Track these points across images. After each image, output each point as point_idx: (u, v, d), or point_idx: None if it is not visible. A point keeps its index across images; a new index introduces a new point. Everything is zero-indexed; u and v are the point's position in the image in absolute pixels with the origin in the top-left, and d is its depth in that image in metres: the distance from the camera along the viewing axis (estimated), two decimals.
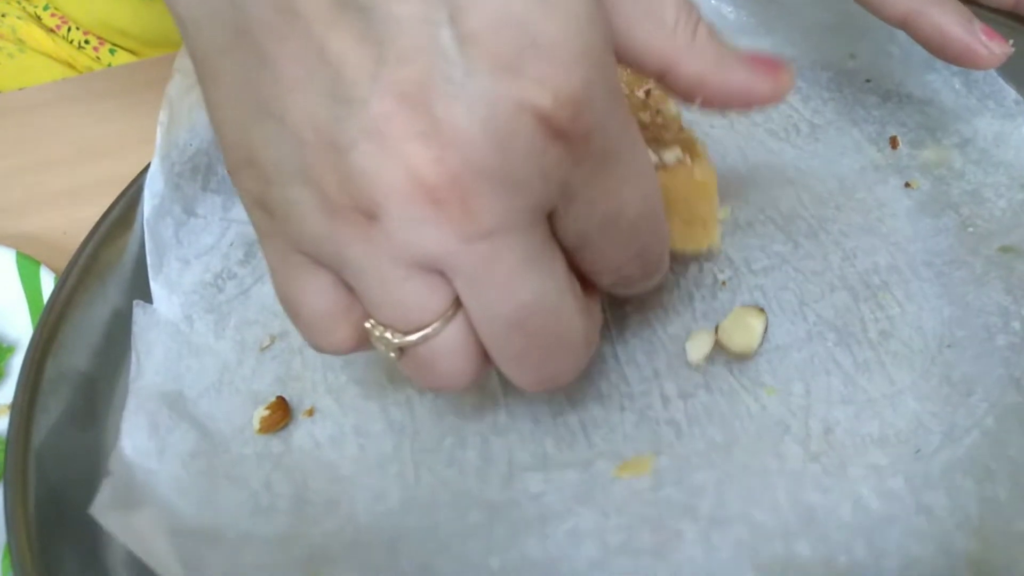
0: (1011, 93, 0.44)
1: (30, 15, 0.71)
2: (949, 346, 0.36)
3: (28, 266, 0.47)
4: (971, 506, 0.31)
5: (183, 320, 0.42)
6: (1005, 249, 0.39)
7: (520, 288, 0.26)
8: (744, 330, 0.36)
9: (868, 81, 0.48)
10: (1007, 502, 0.31)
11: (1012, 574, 0.29)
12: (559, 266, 0.28)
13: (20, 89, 0.65)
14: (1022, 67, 0.43)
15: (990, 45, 0.39)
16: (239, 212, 0.46)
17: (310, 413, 0.38)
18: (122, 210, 0.44)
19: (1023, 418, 0.33)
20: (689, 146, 0.36)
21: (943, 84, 0.46)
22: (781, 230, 0.41)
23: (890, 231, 0.41)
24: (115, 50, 0.71)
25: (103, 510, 0.33)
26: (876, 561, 0.30)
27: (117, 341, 0.41)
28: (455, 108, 0.23)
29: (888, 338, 0.37)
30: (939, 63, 0.45)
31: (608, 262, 0.29)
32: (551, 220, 0.27)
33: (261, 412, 0.38)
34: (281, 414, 0.38)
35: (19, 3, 0.71)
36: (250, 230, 0.29)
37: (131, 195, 0.44)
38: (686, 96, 0.30)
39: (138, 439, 0.37)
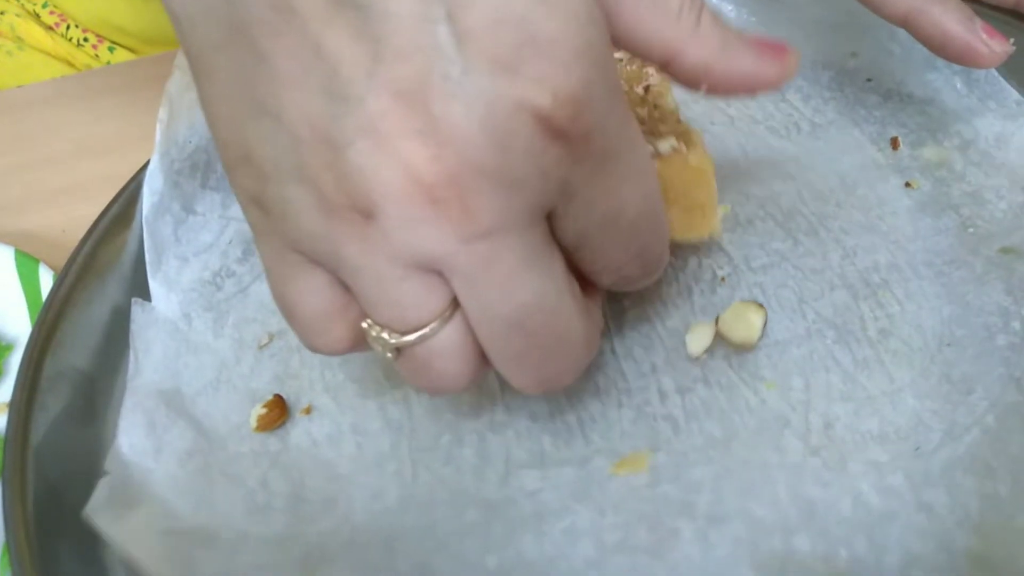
0: (1013, 94, 0.44)
1: (29, 12, 0.71)
2: (949, 345, 0.36)
3: (27, 264, 0.47)
4: (972, 503, 0.31)
5: (181, 318, 0.42)
6: (1006, 250, 0.39)
7: (519, 288, 0.26)
8: (744, 324, 0.36)
9: (869, 80, 0.48)
10: (1008, 499, 0.31)
11: (1013, 570, 0.29)
12: (558, 266, 0.27)
13: (19, 87, 0.65)
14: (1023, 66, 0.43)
15: (991, 43, 0.39)
16: (238, 210, 0.46)
17: (307, 411, 0.38)
18: (121, 208, 0.44)
19: None
20: (685, 136, 0.36)
21: (944, 83, 0.46)
22: (781, 227, 0.41)
23: (890, 229, 0.40)
24: (114, 48, 0.71)
25: (97, 513, 0.33)
26: (877, 557, 0.30)
27: (116, 339, 0.41)
28: (453, 106, 0.23)
29: (888, 336, 0.37)
30: (940, 62, 0.45)
31: (608, 262, 0.29)
32: (550, 220, 0.27)
33: (258, 410, 0.38)
34: (278, 412, 0.38)
35: (18, 0, 0.71)
36: (249, 228, 0.29)
37: (130, 193, 0.44)
38: (691, 83, 0.30)
39: (135, 437, 0.37)
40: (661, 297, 0.39)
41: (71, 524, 0.34)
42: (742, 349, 0.36)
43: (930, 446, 0.33)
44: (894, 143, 0.44)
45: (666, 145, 0.35)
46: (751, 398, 0.35)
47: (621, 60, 0.40)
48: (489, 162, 0.24)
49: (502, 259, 0.26)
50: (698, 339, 0.37)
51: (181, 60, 0.44)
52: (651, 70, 0.43)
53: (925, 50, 0.41)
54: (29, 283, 0.46)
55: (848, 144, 0.45)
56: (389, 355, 0.28)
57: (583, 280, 0.30)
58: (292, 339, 0.41)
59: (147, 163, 0.44)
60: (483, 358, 0.29)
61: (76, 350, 0.40)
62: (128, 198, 0.44)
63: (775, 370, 0.36)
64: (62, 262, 0.42)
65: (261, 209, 0.27)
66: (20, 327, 0.46)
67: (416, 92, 0.23)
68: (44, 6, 0.71)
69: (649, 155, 0.28)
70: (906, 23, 0.40)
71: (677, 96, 0.39)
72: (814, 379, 0.35)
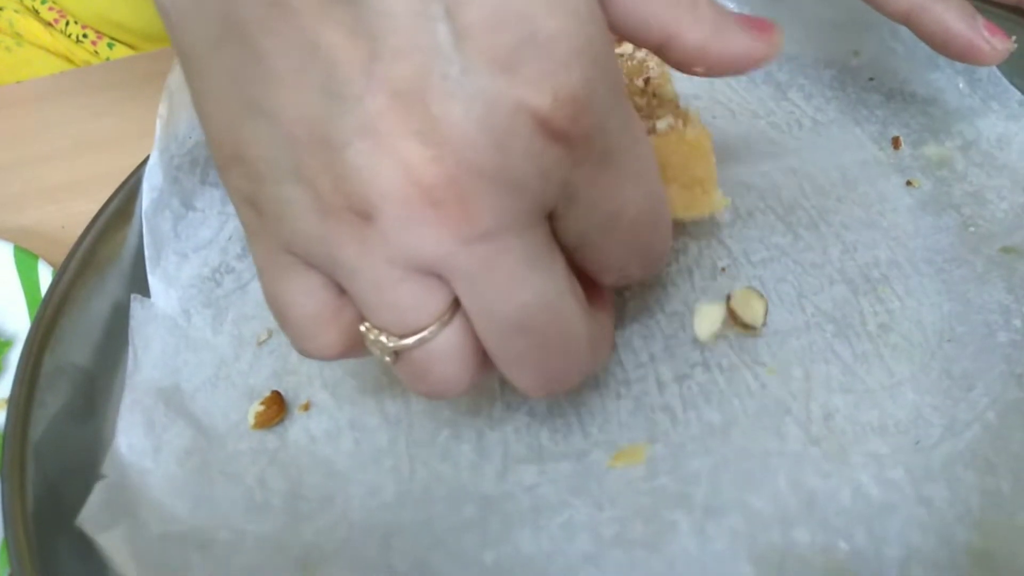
0: (1016, 95, 0.44)
1: (28, 8, 0.71)
2: (949, 341, 0.36)
3: (26, 260, 0.47)
4: (972, 499, 0.31)
5: (181, 314, 0.42)
6: (1007, 250, 0.39)
7: (520, 289, 0.26)
8: (749, 308, 0.36)
9: (871, 79, 0.48)
10: (1009, 496, 0.31)
11: (1014, 568, 0.29)
12: (559, 267, 0.27)
13: (17, 83, 0.65)
14: None
15: (992, 41, 0.39)
16: None
17: (306, 407, 0.38)
18: (120, 204, 0.44)
19: None
20: (682, 115, 0.36)
21: (947, 83, 0.46)
22: (781, 220, 0.41)
23: (891, 226, 0.40)
24: (113, 44, 0.71)
25: (90, 522, 0.33)
26: (876, 549, 0.30)
27: (115, 335, 0.41)
28: (452, 107, 0.23)
29: (887, 331, 0.37)
30: (943, 62, 0.45)
31: (609, 261, 0.29)
32: (551, 220, 0.27)
33: (256, 407, 0.38)
34: (276, 409, 0.38)
35: None
36: None
37: (129, 189, 0.44)
38: (687, 65, 0.30)
39: (134, 437, 0.37)
40: (661, 282, 0.39)
41: (70, 521, 0.34)
42: (747, 331, 0.36)
43: (930, 440, 0.33)
44: (895, 142, 0.44)
45: (663, 123, 0.35)
46: (751, 382, 0.35)
47: (622, 56, 0.40)
48: (488, 163, 0.24)
49: (502, 260, 0.25)
50: (707, 322, 0.36)
51: None
52: (651, 63, 0.43)
53: (928, 49, 0.40)
54: (28, 279, 0.46)
55: (849, 143, 0.45)
56: (387, 359, 0.28)
57: (590, 287, 0.29)
58: None
59: (146, 159, 0.44)
60: (481, 362, 0.28)
61: (75, 346, 0.40)
62: (127, 194, 0.44)
63: (775, 358, 0.36)
64: (61, 258, 0.42)
65: (255, 209, 0.27)
66: (19, 323, 0.46)
67: (414, 92, 0.23)
68: (43, 2, 0.71)
69: (652, 153, 0.28)
70: (908, 20, 0.40)
71: (678, 95, 0.39)
72: (814, 370, 0.35)
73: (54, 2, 0.71)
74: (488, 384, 0.37)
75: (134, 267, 0.43)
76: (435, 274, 0.26)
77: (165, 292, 0.42)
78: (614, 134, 0.25)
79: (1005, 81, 0.44)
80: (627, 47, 0.41)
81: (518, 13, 0.23)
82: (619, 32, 0.28)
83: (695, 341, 0.36)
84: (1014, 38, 0.39)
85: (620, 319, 0.38)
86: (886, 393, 0.34)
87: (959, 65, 0.45)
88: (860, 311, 0.37)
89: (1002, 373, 0.34)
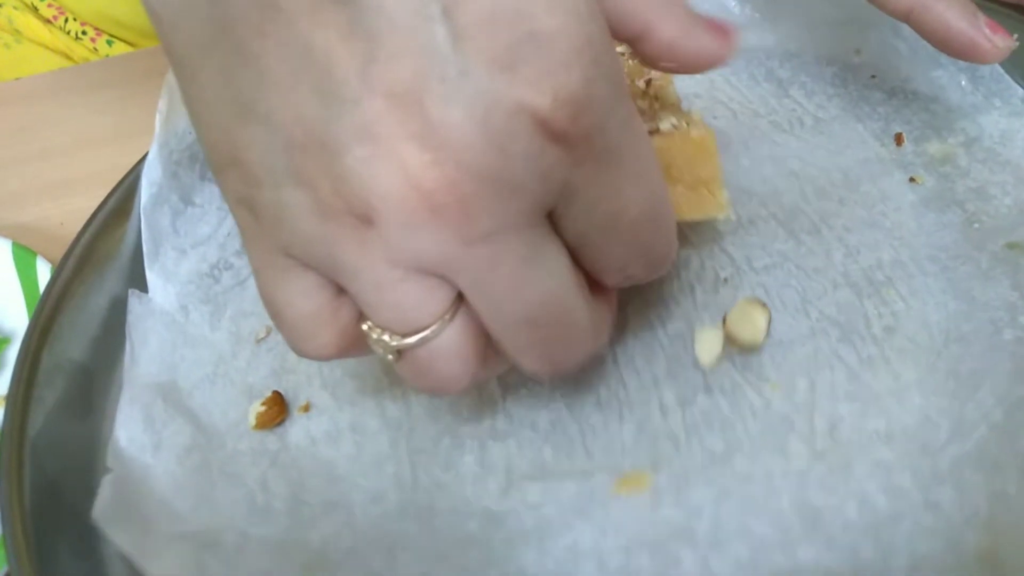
0: (1018, 91, 0.44)
1: (27, 5, 0.71)
2: (955, 341, 0.36)
3: (24, 257, 0.47)
4: (980, 501, 0.31)
5: (179, 310, 0.42)
6: (1011, 246, 0.38)
7: (524, 286, 0.26)
8: (749, 323, 0.36)
9: (873, 77, 0.48)
10: (1017, 496, 0.31)
11: (1022, 569, 0.29)
12: (561, 260, 0.27)
13: (16, 79, 0.64)
14: None
15: (994, 39, 0.39)
16: None
17: (306, 408, 0.38)
18: (119, 200, 0.44)
19: None
20: (685, 116, 0.36)
21: (949, 80, 0.46)
22: (783, 226, 0.41)
23: (894, 225, 0.40)
24: (112, 41, 0.71)
25: (104, 518, 0.33)
26: (884, 560, 0.30)
27: (113, 332, 0.41)
28: (450, 110, 0.23)
29: (893, 334, 0.36)
30: (945, 59, 0.45)
31: (611, 261, 0.28)
32: (551, 218, 0.27)
33: (257, 407, 0.38)
34: (277, 410, 0.37)
35: None
36: None
37: (128, 185, 0.44)
38: (656, 60, 0.30)
39: (133, 431, 0.37)
40: (663, 299, 0.39)
41: (68, 517, 0.34)
42: (748, 350, 0.36)
43: (938, 444, 0.32)
44: (898, 139, 0.44)
45: (666, 123, 0.35)
46: (755, 401, 0.35)
47: (622, 55, 0.40)
48: (488, 166, 0.23)
49: (504, 260, 0.25)
50: (708, 347, 0.36)
51: None
52: None
53: (930, 47, 0.40)
54: (26, 276, 0.46)
55: (851, 140, 0.45)
56: (390, 357, 0.28)
57: (592, 277, 0.29)
58: None
59: (145, 156, 0.44)
60: (483, 358, 0.29)
61: (73, 343, 0.40)
62: (126, 191, 0.44)
63: (779, 371, 0.36)
64: (60, 255, 0.42)
65: (251, 212, 0.27)
66: (17, 320, 0.46)
67: (412, 95, 0.23)
68: None
69: (653, 153, 0.28)
70: (909, 18, 0.40)
71: (680, 98, 0.39)
72: (819, 378, 0.35)
73: None
74: (490, 392, 0.37)
75: (132, 264, 0.43)
76: (437, 274, 0.26)
77: (163, 288, 0.42)
78: (615, 134, 0.25)
79: (1008, 78, 0.44)
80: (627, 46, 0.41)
81: (516, 12, 0.23)
82: None
83: (697, 364, 0.36)
84: (1016, 36, 0.39)
85: (622, 335, 0.38)
86: (893, 398, 0.34)
87: (961, 62, 0.45)
88: (865, 314, 0.37)
89: (1008, 371, 0.34)
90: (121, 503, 0.34)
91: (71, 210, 0.52)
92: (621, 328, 0.38)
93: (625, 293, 0.37)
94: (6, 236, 0.48)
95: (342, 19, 0.23)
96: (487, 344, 0.29)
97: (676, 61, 0.30)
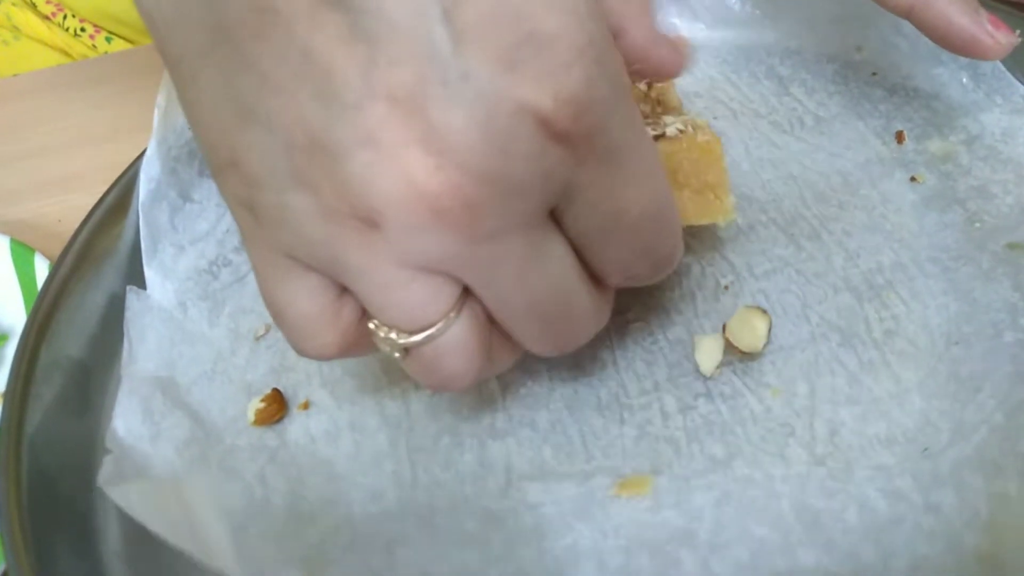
0: (1020, 88, 0.44)
1: (26, 2, 0.71)
2: (956, 343, 0.36)
3: (23, 253, 0.47)
4: (980, 503, 0.31)
5: (177, 307, 0.42)
6: (1012, 246, 0.38)
7: (528, 282, 0.26)
8: (749, 330, 0.36)
9: (874, 74, 0.48)
10: (1017, 498, 0.31)
11: (1022, 570, 0.29)
12: (564, 254, 0.27)
13: (14, 75, 0.64)
14: None
15: (997, 35, 0.39)
16: None
17: (305, 406, 0.38)
18: (117, 197, 0.44)
19: None
20: (690, 120, 0.36)
21: (950, 78, 0.46)
22: (783, 232, 0.41)
23: (894, 228, 0.40)
24: (111, 38, 0.71)
25: (110, 483, 0.33)
26: (884, 562, 0.30)
27: (111, 329, 0.41)
28: (452, 113, 0.23)
29: (893, 337, 0.36)
30: (946, 56, 0.45)
31: (614, 261, 0.28)
32: (555, 216, 0.27)
33: (256, 404, 0.37)
34: (277, 407, 0.37)
35: None
36: None
37: (126, 182, 0.44)
38: (626, 62, 0.30)
39: (132, 422, 0.37)
40: (664, 306, 0.39)
41: (66, 514, 0.34)
42: (748, 357, 0.36)
43: (938, 447, 0.32)
44: (899, 137, 0.44)
45: (672, 127, 0.35)
46: (756, 406, 0.35)
47: None
48: (491, 168, 0.23)
49: (508, 258, 0.25)
50: (708, 355, 0.36)
51: None
52: None
53: (931, 44, 0.40)
54: (24, 273, 0.46)
55: (852, 138, 0.45)
56: (397, 355, 0.28)
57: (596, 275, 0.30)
58: None
59: (144, 152, 0.44)
60: (488, 353, 0.29)
61: (71, 340, 0.40)
62: (124, 187, 0.44)
63: (780, 376, 0.36)
64: (58, 251, 0.42)
65: (251, 213, 0.26)
66: (15, 317, 0.45)
67: (414, 98, 0.23)
68: None
69: (656, 153, 0.27)
70: (911, 15, 0.40)
71: (682, 101, 0.39)
72: (819, 383, 0.35)
73: None
74: (489, 391, 0.37)
75: (131, 260, 0.43)
76: (442, 272, 0.26)
77: (161, 284, 0.42)
78: (616, 133, 0.25)
79: (1009, 76, 0.44)
80: None
81: (517, 13, 0.23)
82: None
83: (698, 371, 0.36)
84: (1019, 32, 0.39)
85: (623, 340, 0.38)
86: (893, 401, 0.34)
87: (963, 60, 0.45)
88: (865, 318, 0.37)
89: (1009, 373, 0.34)
90: (126, 471, 0.34)
91: (69, 206, 0.51)
92: (622, 334, 0.38)
93: (626, 300, 0.37)
94: (4, 232, 0.48)
95: (341, 23, 0.23)
96: (492, 339, 0.29)
97: (648, 65, 0.31)
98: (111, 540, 0.34)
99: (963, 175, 0.42)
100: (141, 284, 0.42)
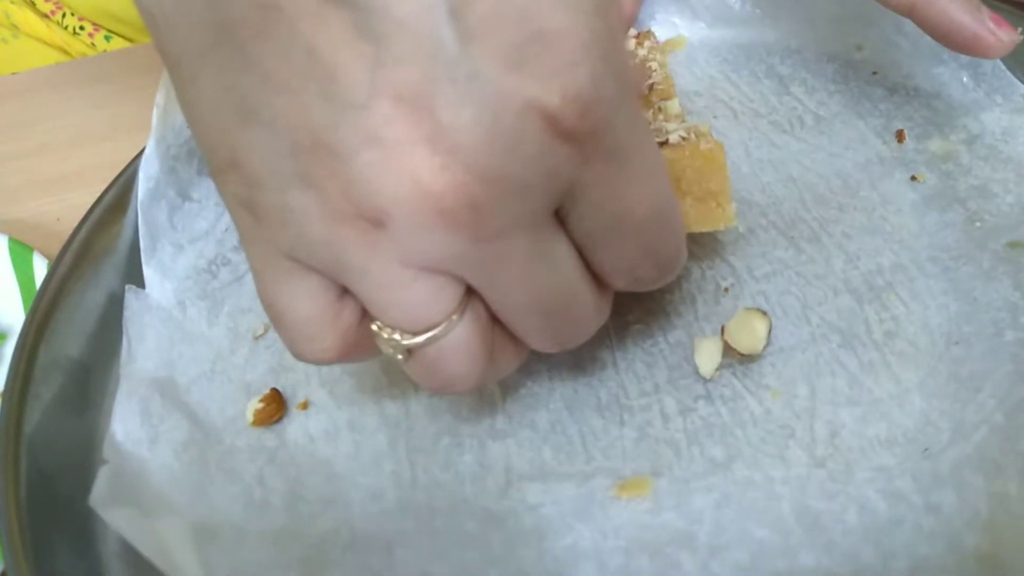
0: (1020, 88, 0.44)
1: (25, 0, 0.71)
2: (956, 343, 0.35)
3: (21, 252, 0.47)
4: (980, 503, 0.31)
5: (176, 306, 0.42)
6: (1013, 245, 0.38)
7: (532, 281, 0.26)
8: (749, 332, 0.36)
9: (875, 73, 0.48)
10: (1017, 497, 0.31)
11: (1023, 569, 0.29)
12: (568, 254, 0.27)
13: (13, 74, 0.64)
14: None
15: (998, 33, 0.39)
16: None
17: (304, 406, 0.38)
18: (116, 196, 0.44)
19: None
20: (693, 128, 0.36)
21: (951, 77, 0.46)
22: (783, 235, 0.41)
23: (894, 229, 0.40)
24: (110, 36, 0.71)
25: (102, 504, 0.33)
26: (884, 563, 0.30)
27: (110, 328, 0.40)
28: (460, 113, 0.23)
29: (893, 338, 0.36)
30: (947, 55, 0.45)
31: (618, 262, 0.28)
32: (559, 217, 0.27)
33: (255, 404, 0.37)
34: (276, 407, 0.37)
35: None
36: None
37: (125, 180, 0.44)
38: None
39: (130, 425, 0.37)
40: (665, 309, 0.38)
41: (64, 514, 0.34)
42: (748, 359, 0.36)
43: (939, 447, 0.32)
44: (899, 136, 0.44)
45: (675, 135, 0.35)
46: (756, 409, 0.35)
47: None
48: (497, 167, 0.23)
49: (513, 257, 0.25)
50: (707, 357, 0.36)
51: None
52: (654, 64, 0.43)
53: (932, 44, 0.40)
54: (23, 272, 0.46)
55: (853, 138, 0.45)
56: (400, 357, 0.28)
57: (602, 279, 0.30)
58: None
59: (143, 151, 0.43)
60: (491, 356, 0.29)
61: (70, 339, 0.39)
62: (123, 186, 0.44)
63: (780, 378, 0.36)
64: (56, 250, 0.42)
65: (252, 214, 0.26)
66: (14, 316, 0.45)
67: (421, 98, 0.23)
68: None
69: (660, 153, 0.27)
70: (912, 13, 0.40)
71: (679, 90, 0.39)
72: (819, 384, 0.35)
73: None
74: (489, 392, 0.37)
75: (130, 259, 0.43)
76: (446, 271, 0.26)
77: (160, 283, 0.42)
78: (622, 132, 0.25)
79: (1009, 75, 0.44)
80: (628, 44, 0.41)
81: (523, 10, 0.22)
82: None
83: (698, 373, 0.36)
84: (1020, 30, 0.39)
85: (623, 343, 0.38)
86: (894, 402, 0.34)
87: (963, 59, 0.45)
88: (865, 320, 0.37)
89: (1009, 373, 0.34)
90: (118, 490, 0.34)
91: (68, 205, 0.51)
92: (622, 335, 0.38)
93: (627, 302, 0.37)
94: (2, 231, 0.48)
95: (347, 21, 0.22)
96: (494, 342, 0.29)
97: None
98: (110, 540, 0.34)
99: (964, 174, 0.42)
100: (140, 283, 0.42)
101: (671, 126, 0.36)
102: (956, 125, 0.44)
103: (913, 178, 0.42)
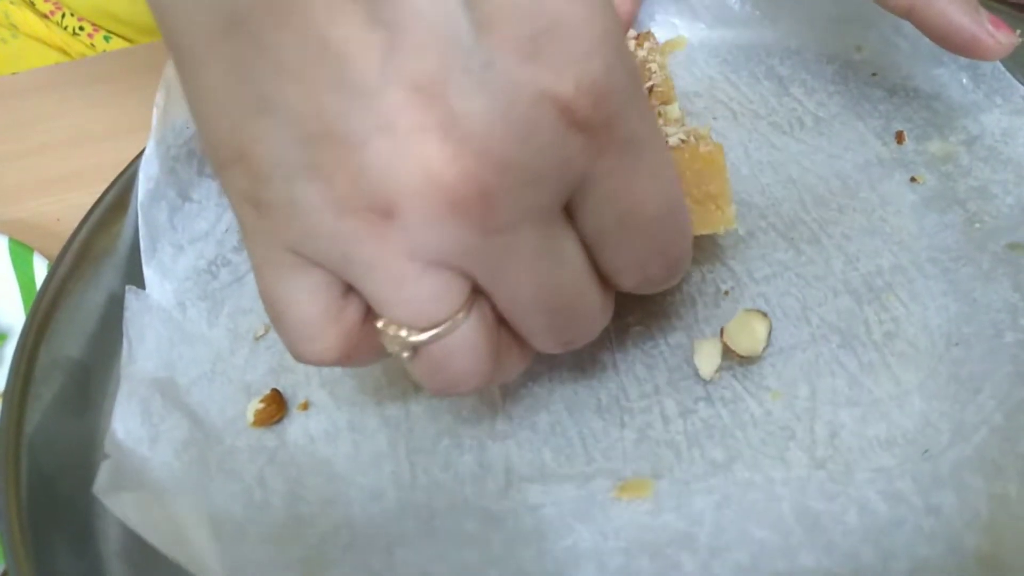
0: (1020, 89, 0.44)
1: (24, 0, 0.71)
2: (956, 344, 0.35)
3: (21, 253, 0.46)
4: (980, 504, 0.31)
5: (176, 307, 0.42)
6: (1013, 246, 0.38)
7: (539, 276, 0.26)
8: (748, 334, 0.36)
9: (874, 74, 0.48)
10: (1017, 498, 0.31)
11: (1023, 570, 0.29)
12: (576, 251, 0.27)
13: (13, 74, 0.64)
14: None
15: (997, 35, 0.39)
16: None
17: (304, 407, 0.38)
18: (116, 196, 0.44)
19: None
20: (693, 131, 0.36)
21: (951, 78, 0.46)
22: (783, 237, 0.41)
23: (894, 230, 0.40)
24: (110, 37, 0.71)
25: (105, 491, 0.33)
26: (884, 564, 0.30)
27: (110, 328, 0.40)
28: (474, 102, 0.23)
29: (893, 339, 0.36)
30: (947, 57, 0.45)
31: (628, 260, 0.28)
32: (569, 213, 0.27)
33: (255, 405, 0.37)
34: (276, 407, 0.37)
35: None
36: None
37: (125, 181, 0.44)
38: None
39: (131, 424, 0.37)
40: (665, 312, 0.38)
41: (65, 514, 0.34)
42: (748, 361, 0.36)
43: (939, 448, 0.32)
44: (899, 137, 0.44)
45: (674, 137, 0.35)
46: (756, 410, 0.35)
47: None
48: (510, 157, 0.23)
49: (521, 251, 0.25)
50: (707, 359, 0.36)
51: None
52: (653, 66, 0.43)
53: (931, 45, 0.40)
54: (23, 272, 0.46)
55: (852, 139, 0.45)
56: (405, 355, 0.28)
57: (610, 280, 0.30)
58: None
59: (143, 151, 0.43)
60: (496, 357, 0.29)
61: (70, 339, 0.39)
62: (123, 186, 0.44)
63: (780, 379, 0.36)
64: (56, 251, 0.42)
65: (256, 209, 0.26)
66: (14, 316, 0.45)
67: (435, 86, 0.23)
68: None
69: (668, 150, 0.27)
70: (911, 14, 0.40)
71: (678, 91, 0.39)
72: (820, 385, 0.35)
73: None
74: (489, 394, 0.37)
75: (130, 260, 0.43)
76: (453, 266, 0.26)
77: (160, 284, 0.42)
78: (634, 124, 0.25)
79: (1009, 76, 0.44)
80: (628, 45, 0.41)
81: (538, 1, 0.23)
82: None
83: (698, 375, 0.36)
84: (1019, 31, 0.39)
85: (623, 345, 0.38)
86: (894, 403, 0.34)
87: (963, 60, 0.45)
88: (865, 321, 0.37)
89: (1009, 374, 0.34)
90: (122, 478, 0.34)
91: (68, 206, 0.51)
92: (622, 337, 0.38)
93: (628, 304, 0.37)
94: (2, 232, 0.48)
95: (361, 9, 0.22)
96: (500, 344, 0.29)
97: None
98: (111, 540, 0.34)
99: (963, 175, 0.42)
100: (140, 284, 0.42)
101: (670, 130, 0.36)
102: (956, 126, 0.44)
103: (913, 179, 0.42)
